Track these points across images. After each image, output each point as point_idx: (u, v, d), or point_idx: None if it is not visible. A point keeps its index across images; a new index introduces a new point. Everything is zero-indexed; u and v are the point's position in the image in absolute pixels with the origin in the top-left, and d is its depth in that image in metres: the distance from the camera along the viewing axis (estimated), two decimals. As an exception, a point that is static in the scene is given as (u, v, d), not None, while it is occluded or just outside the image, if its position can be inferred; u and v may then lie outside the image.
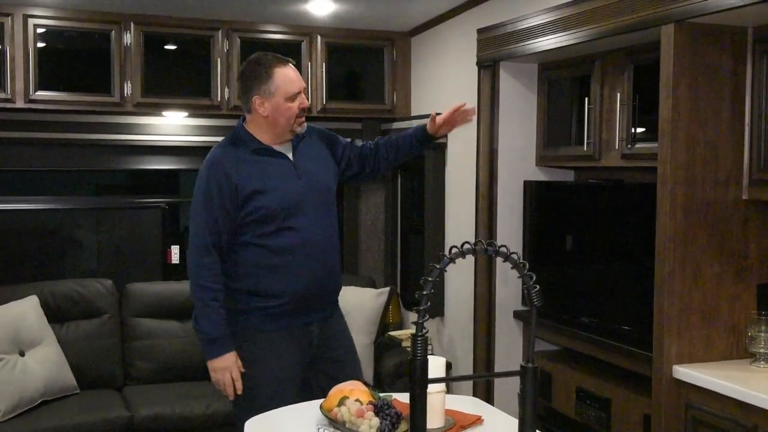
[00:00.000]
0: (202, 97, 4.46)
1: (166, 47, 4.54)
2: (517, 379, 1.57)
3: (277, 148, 2.81)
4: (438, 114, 3.00)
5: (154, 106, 4.42)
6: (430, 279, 1.48)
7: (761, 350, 2.72)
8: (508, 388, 3.84)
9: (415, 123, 4.53)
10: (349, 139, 3.09)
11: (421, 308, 1.47)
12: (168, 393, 4.10)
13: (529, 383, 1.55)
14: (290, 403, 2.43)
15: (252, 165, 2.75)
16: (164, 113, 4.57)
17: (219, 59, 4.45)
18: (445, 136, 3.23)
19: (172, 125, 4.73)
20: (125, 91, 4.30)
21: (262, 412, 2.33)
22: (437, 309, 4.48)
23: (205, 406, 3.98)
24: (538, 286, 1.55)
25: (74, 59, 4.41)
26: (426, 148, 3.61)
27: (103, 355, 4.26)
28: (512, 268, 1.56)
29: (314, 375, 2.88)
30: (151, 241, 4.89)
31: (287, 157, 2.82)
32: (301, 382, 2.84)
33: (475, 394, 3.93)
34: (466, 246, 1.52)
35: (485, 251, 1.52)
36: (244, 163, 2.75)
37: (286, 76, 2.76)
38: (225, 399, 3.99)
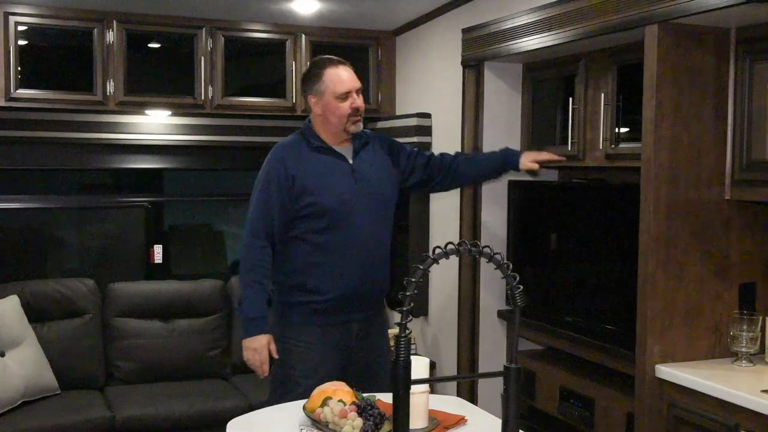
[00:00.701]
0: (185, 96, 4.43)
1: (150, 45, 4.50)
2: (500, 379, 1.57)
3: (337, 148, 2.93)
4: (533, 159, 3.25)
5: (137, 104, 4.38)
6: (413, 279, 1.47)
7: (743, 349, 2.73)
8: (491, 387, 3.84)
9: (400, 122, 4.54)
10: (415, 149, 3.21)
11: (405, 309, 1.46)
12: (150, 393, 4.08)
13: (512, 384, 1.55)
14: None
15: (310, 161, 2.88)
16: (147, 112, 4.54)
17: (203, 58, 4.42)
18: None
19: (156, 124, 4.69)
20: (108, 90, 4.27)
21: None
22: (421, 309, 4.48)
23: (188, 406, 3.96)
24: (521, 287, 1.55)
25: (56, 57, 4.37)
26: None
27: (84, 355, 4.23)
28: (496, 268, 1.55)
29: (350, 375, 2.92)
30: (134, 241, 4.85)
31: (346, 159, 2.93)
32: (339, 379, 2.87)
33: (458, 394, 3.92)
34: (450, 246, 1.52)
35: (469, 251, 1.52)
36: (303, 159, 2.88)
37: (336, 75, 2.88)
38: (207, 399, 4.02)
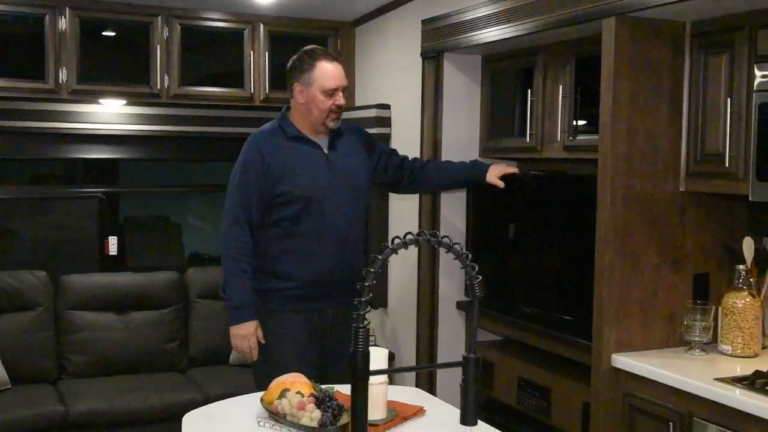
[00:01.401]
0: (141, 85, 4.35)
1: (104, 33, 4.41)
2: (459, 370, 1.56)
3: (313, 138, 2.96)
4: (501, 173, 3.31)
5: (90, 93, 4.29)
6: (371, 270, 1.46)
7: (696, 338, 2.77)
8: (450, 378, 3.85)
9: (359, 113, 4.52)
10: (392, 148, 3.29)
11: (363, 299, 1.45)
12: (104, 387, 4.01)
13: (471, 374, 1.55)
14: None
15: (285, 150, 2.91)
16: (101, 101, 4.45)
17: (159, 46, 4.35)
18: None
19: (110, 113, 4.60)
20: (60, 78, 4.17)
21: None
22: (380, 300, 4.47)
23: (143, 400, 3.90)
24: (480, 277, 1.55)
25: (6, 44, 4.25)
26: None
27: (36, 348, 4.14)
28: (455, 258, 1.55)
29: (326, 362, 2.98)
30: (88, 232, 4.76)
31: (321, 149, 2.96)
32: (317, 365, 2.94)
33: (417, 385, 3.93)
34: (409, 236, 1.51)
35: (428, 242, 1.51)
36: (279, 148, 2.91)
37: (327, 70, 2.90)
38: (163, 392, 3.96)
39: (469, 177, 3.37)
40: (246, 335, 2.91)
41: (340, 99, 2.93)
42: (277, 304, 2.95)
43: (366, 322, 1.45)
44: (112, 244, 4.72)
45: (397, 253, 1.49)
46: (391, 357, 4.36)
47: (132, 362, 4.26)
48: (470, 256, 1.54)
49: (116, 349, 4.25)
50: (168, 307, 4.44)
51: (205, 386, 4.10)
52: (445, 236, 1.53)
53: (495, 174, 3.31)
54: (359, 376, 1.43)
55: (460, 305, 3.96)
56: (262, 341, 2.95)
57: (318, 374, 2.89)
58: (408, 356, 4.23)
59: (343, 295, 2.98)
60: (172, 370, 4.36)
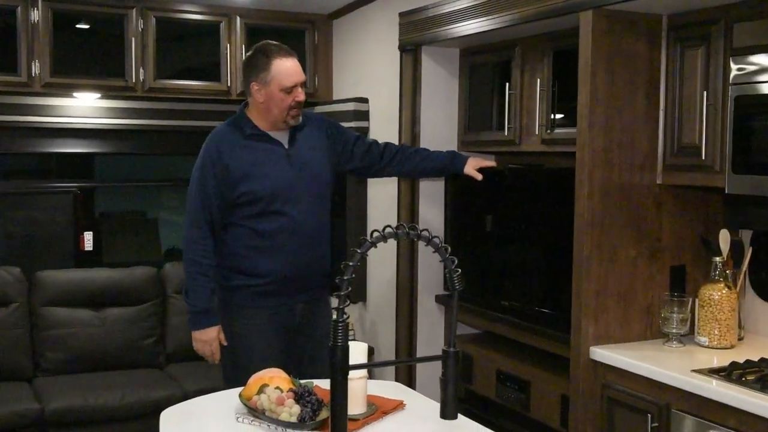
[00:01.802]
0: (115, 78, 4.30)
1: (78, 26, 4.35)
2: (438, 363, 1.56)
3: (272, 134, 2.91)
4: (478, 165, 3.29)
5: (64, 86, 4.24)
6: (350, 264, 1.45)
7: (674, 330, 2.79)
8: (430, 372, 3.85)
9: (337, 106, 4.50)
10: (357, 134, 3.21)
11: (342, 293, 1.44)
12: (80, 384, 3.97)
13: (451, 367, 1.54)
14: None
15: (244, 149, 2.86)
16: (75, 94, 4.39)
17: (133, 39, 4.29)
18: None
19: (84, 107, 4.55)
20: (33, 71, 4.11)
21: None
22: (359, 294, 4.46)
23: (120, 397, 3.87)
24: (459, 270, 1.54)
25: (-23, 36, 4.18)
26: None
27: (11, 345, 4.09)
28: (434, 252, 1.54)
29: (294, 358, 2.95)
30: (63, 228, 4.70)
31: (281, 144, 2.91)
32: (286, 361, 2.89)
33: (397, 379, 3.93)
34: (388, 230, 1.50)
35: (407, 235, 1.50)
36: (238, 147, 2.86)
37: (285, 67, 2.84)
38: (140, 389, 3.93)
39: (447, 166, 3.34)
40: (207, 340, 2.90)
41: (299, 95, 2.87)
42: (244, 299, 2.92)
43: (345, 316, 1.43)
44: (88, 240, 4.67)
45: (376, 246, 1.48)
46: (371, 351, 4.36)
47: (109, 359, 4.22)
48: (449, 249, 1.53)
49: (92, 346, 4.20)
50: (145, 303, 4.40)
51: (184, 382, 4.07)
52: (424, 229, 1.52)
53: (473, 166, 3.30)
54: (338, 371, 1.42)
55: (439, 299, 3.96)
56: (224, 343, 2.92)
57: (288, 370, 2.86)
58: (387, 350, 4.23)
59: (311, 290, 2.98)
60: (150, 366, 4.32)
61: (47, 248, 4.72)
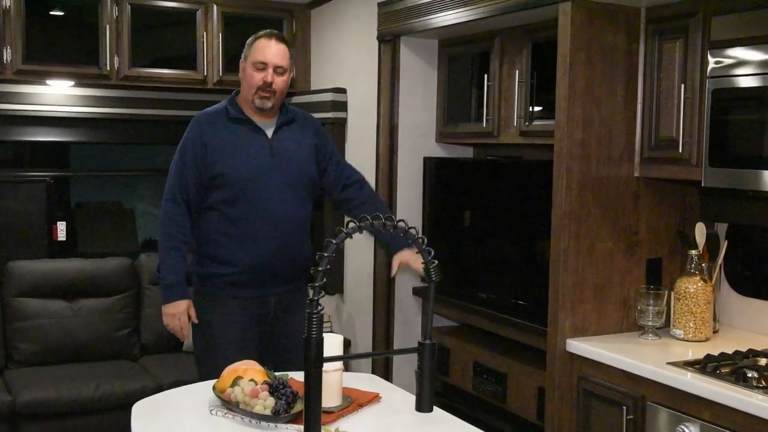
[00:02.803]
0: (89, 66, 4.23)
1: (51, 12, 4.28)
2: (415, 356, 1.54)
3: (257, 121, 2.90)
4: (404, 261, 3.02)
5: (36, 73, 4.16)
6: (325, 255, 1.42)
7: (649, 323, 2.80)
8: (406, 364, 3.84)
9: (315, 96, 4.47)
10: (339, 155, 3.16)
11: (316, 284, 1.41)
12: (53, 376, 3.91)
13: (427, 360, 1.52)
14: None
15: (226, 132, 2.87)
16: (48, 82, 4.32)
17: (108, 26, 4.22)
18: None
19: (58, 95, 4.47)
20: (5, 57, 4.03)
21: None
22: (336, 286, 4.44)
23: (94, 389, 3.81)
24: (436, 262, 1.53)
25: (-53, 22, 4.09)
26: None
27: (-18, 337, 4.02)
28: (411, 242, 1.52)
29: (270, 350, 2.93)
30: (36, 217, 4.62)
31: (264, 133, 2.90)
32: (261, 352, 2.88)
33: (374, 372, 3.92)
34: (365, 221, 1.48)
35: (383, 226, 1.48)
36: (219, 129, 2.87)
37: (262, 45, 2.87)
38: (114, 380, 3.89)
39: (383, 243, 3.24)
40: (176, 314, 2.88)
41: (268, 75, 2.84)
42: (217, 289, 2.90)
43: (320, 308, 1.41)
44: (61, 230, 4.60)
45: (351, 237, 1.46)
46: (348, 343, 4.34)
47: (82, 350, 4.16)
48: (426, 240, 1.51)
49: (65, 337, 4.14)
50: (119, 294, 4.34)
51: (158, 374, 4.03)
52: (401, 220, 1.50)
53: (400, 257, 2.99)
54: (312, 363, 1.40)
55: (416, 291, 3.95)
56: (195, 320, 2.91)
57: (262, 362, 2.84)
58: (364, 342, 4.21)
59: (285, 282, 2.95)
60: (124, 358, 4.27)
61: (20, 238, 4.64)
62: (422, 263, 1.54)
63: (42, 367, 4.04)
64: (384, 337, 3.99)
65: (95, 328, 4.21)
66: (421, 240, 1.51)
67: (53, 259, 4.46)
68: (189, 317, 2.90)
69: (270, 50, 2.86)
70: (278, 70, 2.86)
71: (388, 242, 3.11)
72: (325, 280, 1.42)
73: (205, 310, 2.91)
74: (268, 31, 2.96)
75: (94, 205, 5.49)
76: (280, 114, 2.95)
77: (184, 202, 2.87)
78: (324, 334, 2.07)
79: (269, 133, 2.91)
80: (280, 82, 2.87)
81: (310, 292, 1.45)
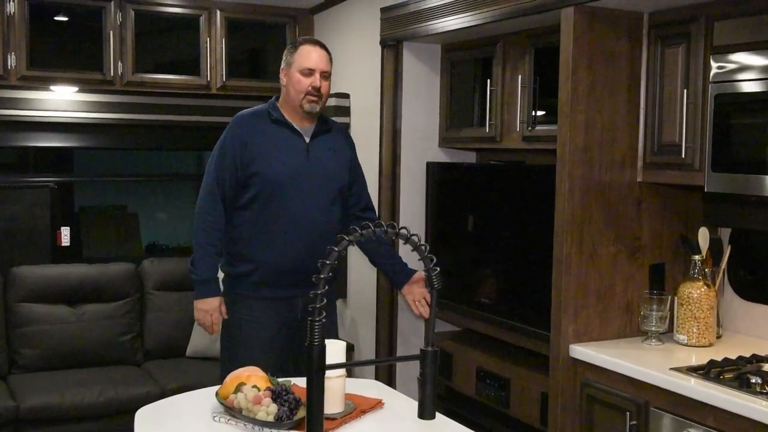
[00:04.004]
0: (93, 72, 4.24)
1: (56, 18, 4.29)
2: (418, 361, 1.54)
3: (296, 126, 2.96)
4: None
5: (41, 79, 4.17)
6: (327, 262, 1.43)
7: (653, 328, 2.80)
8: (410, 370, 3.84)
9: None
10: (363, 177, 3.17)
11: (318, 292, 1.42)
12: (57, 381, 3.90)
13: (429, 367, 1.52)
14: (272, 372, 2.33)
15: (265, 133, 2.94)
16: (52, 87, 4.33)
17: (112, 32, 4.23)
18: None
19: (62, 101, 4.48)
20: (9, 64, 4.04)
21: None
22: (340, 291, 4.43)
23: (97, 394, 3.81)
24: (438, 269, 1.53)
25: (-49, 28, 4.10)
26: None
27: (-14, 342, 4.03)
28: (413, 250, 1.52)
29: (296, 352, 2.93)
30: (40, 223, 4.63)
31: (302, 137, 2.96)
32: (286, 356, 2.93)
33: (377, 377, 3.92)
34: (366, 229, 1.48)
35: (385, 233, 1.48)
36: (259, 128, 2.94)
37: (307, 52, 2.94)
38: (117, 386, 3.89)
39: (390, 275, 3.21)
40: (208, 310, 2.92)
41: (316, 81, 2.91)
42: (246, 289, 2.95)
43: (321, 315, 1.41)
44: (65, 235, 4.60)
45: (353, 244, 1.46)
46: (351, 348, 4.33)
47: (85, 356, 4.16)
48: (428, 247, 1.51)
49: (69, 343, 4.14)
50: (122, 299, 4.34)
51: (161, 379, 4.03)
52: (403, 227, 1.50)
53: (411, 294, 3.07)
54: (315, 370, 1.40)
55: (419, 296, 3.94)
56: (225, 317, 2.95)
57: (287, 364, 2.90)
58: (368, 347, 4.21)
59: (314, 285, 2.93)
60: (128, 363, 4.27)
61: (24, 244, 4.64)
62: (424, 270, 1.54)
63: (45, 372, 4.04)
64: (387, 342, 3.99)
65: (99, 333, 4.21)
66: (423, 247, 1.51)
67: (57, 264, 4.46)
68: (221, 313, 2.95)
69: (316, 56, 2.94)
70: (324, 74, 2.94)
71: (390, 277, 3.21)
72: (327, 287, 1.42)
73: (233, 310, 2.96)
74: (309, 38, 3.08)
75: (98, 209, 5.50)
76: (318, 122, 3.01)
77: (221, 200, 2.93)
78: (327, 341, 2.09)
79: (307, 138, 2.97)
80: (325, 86, 2.96)
81: (317, 299, 1.45)
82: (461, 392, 3.56)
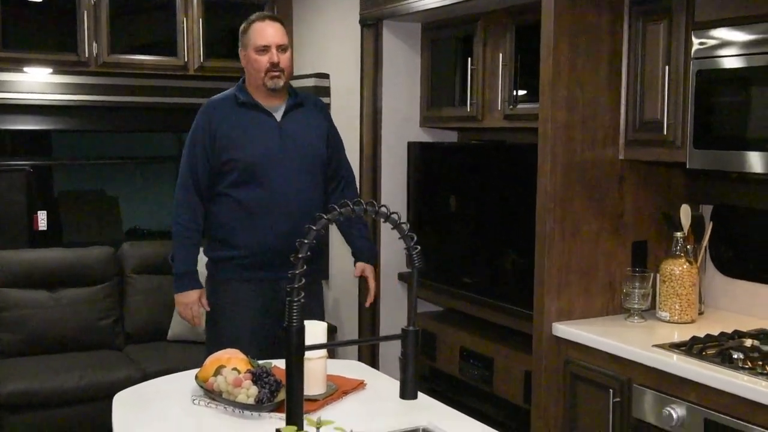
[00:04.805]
0: (67, 53, 4.16)
1: (28, -1, 4.20)
2: (400, 342, 1.52)
3: (265, 105, 2.91)
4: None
5: (13, 61, 4.09)
6: (305, 241, 1.40)
7: (635, 306, 2.79)
8: (392, 350, 3.83)
9: (298, 82, 4.41)
10: (343, 151, 3.14)
11: (297, 272, 1.39)
12: (36, 366, 3.86)
13: (410, 347, 1.50)
14: (257, 354, 2.36)
15: (235, 117, 2.89)
16: (26, 69, 4.25)
17: (86, 12, 4.14)
18: None
19: (36, 83, 4.40)
20: (-19, 45, 3.96)
21: None
22: (322, 273, 4.40)
23: (78, 379, 3.77)
24: (419, 248, 1.50)
25: None
26: None
27: (-37, 328, 3.97)
28: (393, 228, 1.50)
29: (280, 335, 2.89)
30: (16, 207, 4.55)
31: (273, 116, 2.91)
32: (272, 337, 2.89)
33: (360, 358, 3.91)
34: (345, 207, 1.45)
35: (365, 211, 1.45)
36: (228, 114, 2.89)
37: (260, 29, 2.89)
38: (97, 370, 3.85)
39: (352, 247, 3.23)
40: (188, 303, 2.92)
41: (273, 56, 2.87)
42: (228, 273, 2.92)
43: (300, 296, 1.39)
44: (42, 219, 4.54)
45: (332, 223, 1.43)
46: (333, 330, 4.32)
47: (65, 340, 4.11)
48: (408, 226, 1.49)
49: (48, 328, 4.09)
50: (102, 283, 4.30)
51: (143, 363, 3.99)
52: (382, 205, 1.48)
53: (361, 270, 3.17)
54: (293, 352, 1.37)
55: (401, 277, 3.93)
56: (206, 309, 2.93)
57: (274, 347, 2.84)
58: (351, 328, 4.20)
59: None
60: (108, 347, 4.23)
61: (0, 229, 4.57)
62: (405, 249, 1.52)
63: (24, 357, 3.99)
64: (370, 323, 3.98)
65: (78, 317, 4.17)
66: (403, 225, 1.48)
67: (33, 249, 4.40)
68: (202, 306, 2.93)
69: (268, 32, 2.89)
70: (280, 48, 2.89)
71: (354, 252, 3.20)
72: (305, 267, 1.39)
73: (216, 296, 2.94)
74: (258, 14, 3.00)
75: (78, 193, 5.41)
76: (288, 98, 2.96)
77: (196, 190, 2.90)
78: (307, 322, 2.06)
79: (278, 116, 2.92)
80: (284, 59, 2.90)
81: (296, 280, 1.42)
82: (445, 372, 3.56)
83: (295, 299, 1.38)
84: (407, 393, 1.52)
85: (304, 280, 1.39)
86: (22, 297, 4.12)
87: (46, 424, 3.71)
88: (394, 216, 1.48)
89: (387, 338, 1.53)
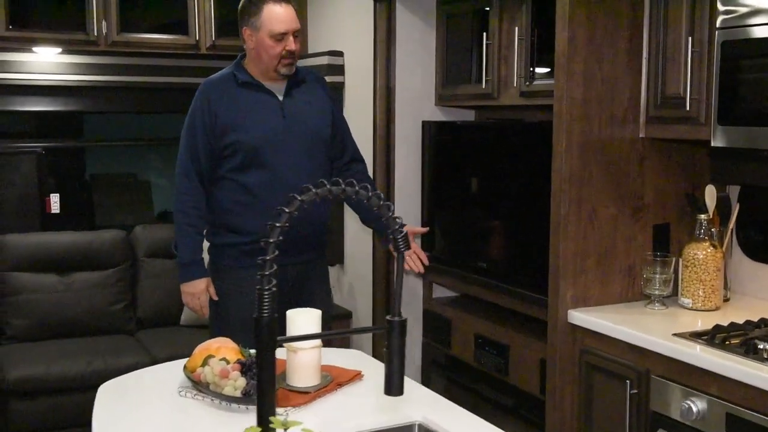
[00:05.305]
0: (76, 32, 4.08)
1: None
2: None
3: (267, 84, 2.78)
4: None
5: (22, 40, 4.02)
6: (278, 225, 1.28)
7: (656, 292, 2.65)
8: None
9: (311, 60, 4.30)
10: (347, 131, 2.99)
11: (268, 258, 1.28)
12: (46, 351, 3.80)
13: (396, 338, 1.39)
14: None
15: (235, 97, 2.75)
16: (35, 49, 4.18)
17: (95, -10, 4.07)
18: None
19: (45, 62, 4.33)
20: (-12, 25, 3.90)
21: None
22: (337, 256, 4.31)
23: (86, 364, 3.71)
24: (404, 231, 1.39)
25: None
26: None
27: (-27, 312, 3.94)
28: (376, 209, 1.38)
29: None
30: (27, 190, 4.49)
31: (275, 96, 2.78)
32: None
33: (375, 346, 3.82)
34: (322, 188, 1.34)
35: (343, 191, 1.33)
36: (228, 95, 2.75)
37: (275, 13, 2.71)
38: (107, 356, 3.79)
39: (380, 232, 3.10)
40: (195, 293, 2.82)
41: (291, 44, 2.72)
42: (232, 260, 2.81)
43: (271, 284, 1.27)
44: (54, 202, 4.49)
45: (306, 204, 1.31)
46: (349, 316, 4.22)
47: (75, 325, 4.06)
48: (392, 206, 1.37)
49: (58, 312, 4.04)
50: (113, 267, 4.23)
51: (153, 349, 3.92)
52: (363, 185, 1.36)
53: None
54: (265, 346, 1.26)
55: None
56: (215, 298, 2.83)
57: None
58: (365, 314, 4.09)
59: (303, 251, 2.81)
60: (120, 332, 4.17)
61: (12, 211, 4.51)
62: (389, 234, 1.40)
63: (34, 342, 3.94)
64: (384, 307, 3.87)
65: (89, 302, 4.11)
66: (386, 206, 1.36)
67: (45, 232, 4.35)
68: (209, 295, 2.83)
69: (287, 16, 2.72)
70: (296, 33, 2.75)
71: (380, 235, 3.04)
72: (276, 252, 1.28)
73: (220, 283, 2.83)
74: None
75: (110, 177, 5.37)
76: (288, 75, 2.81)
77: (197, 175, 2.77)
78: (299, 310, 1.96)
79: (280, 96, 2.79)
80: (298, 45, 2.77)
81: (266, 266, 1.31)
82: (460, 359, 3.44)
83: (266, 288, 1.27)
84: (393, 389, 1.40)
85: (275, 267, 1.28)
86: (32, 281, 4.07)
87: (53, 411, 3.65)
88: (376, 195, 1.36)
89: (369, 330, 1.41)
